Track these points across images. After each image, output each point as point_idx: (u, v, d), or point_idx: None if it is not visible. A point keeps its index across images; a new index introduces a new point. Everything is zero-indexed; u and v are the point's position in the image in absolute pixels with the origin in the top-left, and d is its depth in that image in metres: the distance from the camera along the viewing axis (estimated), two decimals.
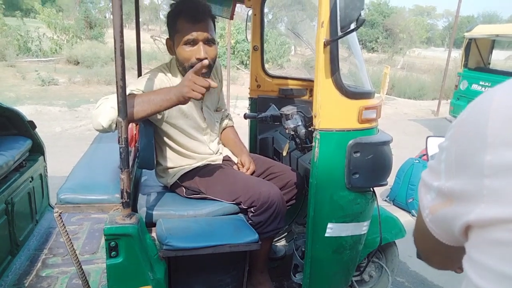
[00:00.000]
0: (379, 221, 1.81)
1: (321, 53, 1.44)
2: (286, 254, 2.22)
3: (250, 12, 2.49)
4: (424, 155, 3.88)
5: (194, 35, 1.63)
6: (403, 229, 2.22)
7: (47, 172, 2.60)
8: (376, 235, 1.96)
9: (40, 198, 2.46)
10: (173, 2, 1.71)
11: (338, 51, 1.47)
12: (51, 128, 6.84)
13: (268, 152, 2.57)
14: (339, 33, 1.40)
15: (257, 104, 2.58)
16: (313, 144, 1.53)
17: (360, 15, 1.28)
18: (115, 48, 1.20)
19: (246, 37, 2.65)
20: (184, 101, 1.44)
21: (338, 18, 1.28)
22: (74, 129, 6.88)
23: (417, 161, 3.78)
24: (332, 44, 1.44)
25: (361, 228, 1.76)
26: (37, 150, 2.47)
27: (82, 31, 17.79)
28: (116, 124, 1.40)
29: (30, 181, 2.28)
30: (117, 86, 1.23)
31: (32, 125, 2.47)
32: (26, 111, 7.31)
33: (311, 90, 2.51)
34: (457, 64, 11.48)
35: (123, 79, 1.24)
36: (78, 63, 13.98)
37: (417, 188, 3.45)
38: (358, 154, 1.58)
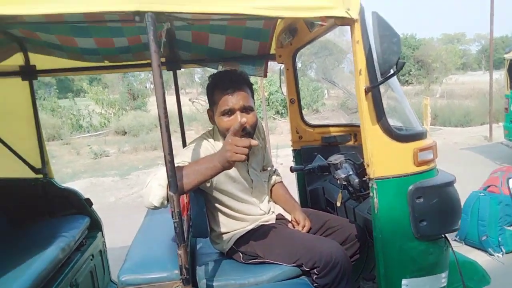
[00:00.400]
0: (459, 270, 1.63)
1: (363, 101, 1.40)
2: None
3: (283, 67, 2.53)
4: (489, 186, 3.58)
5: (230, 105, 1.66)
6: (486, 275, 1.98)
7: (106, 247, 2.65)
8: (458, 285, 1.76)
9: (102, 275, 2.48)
10: (211, 74, 1.78)
11: (381, 95, 1.42)
12: (106, 198, 7.12)
13: (320, 203, 2.47)
14: (379, 79, 1.36)
15: (301, 155, 2.54)
16: (371, 194, 1.44)
17: (399, 58, 1.25)
18: (160, 124, 1.23)
19: (282, 91, 2.68)
20: (229, 166, 1.41)
21: (377, 64, 1.25)
22: (127, 197, 7.12)
23: (482, 194, 3.48)
24: (373, 90, 1.40)
25: (440, 280, 1.59)
26: (95, 226, 2.54)
27: (127, 103, 19.07)
28: (166, 200, 1.41)
29: (91, 259, 2.31)
30: (165, 161, 1.25)
31: (89, 202, 2.56)
32: (82, 184, 7.74)
33: (356, 135, 2.45)
34: (500, 85, 10.94)
35: (171, 153, 1.25)
36: (126, 133, 14.83)
37: (489, 223, 3.15)
38: (422, 200, 1.47)
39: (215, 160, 1.42)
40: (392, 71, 1.27)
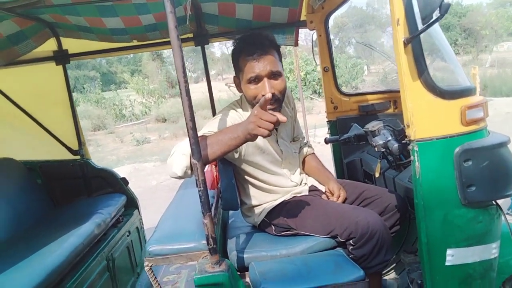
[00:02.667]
0: None
1: (402, 55, 1.26)
2: None
3: (315, 36, 2.40)
4: None
5: (256, 71, 1.56)
6: None
7: (143, 224, 2.70)
8: (510, 257, 1.61)
9: (139, 251, 2.54)
10: (236, 38, 1.68)
11: (422, 48, 1.27)
12: (148, 182, 7.35)
13: (357, 176, 2.35)
14: (420, 27, 1.21)
15: (337, 126, 2.42)
16: (412, 158, 1.31)
17: (443, 0, 1.09)
18: (180, 89, 1.18)
19: (315, 60, 2.55)
20: (251, 138, 1.32)
21: (417, 9, 1.10)
22: (168, 181, 7.30)
23: None
24: (413, 42, 1.25)
25: (490, 251, 1.44)
26: (131, 204, 2.59)
27: (166, 91, 19.56)
28: (190, 169, 1.36)
29: (128, 235, 2.36)
30: (187, 128, 1.20)
31: (125, 181, 2.61)
32: (126, 170, 8.04)
33: (395, 102, 2.29)
34: None
35: (193, 120, 1.20)
36: (165, 120, 15.24)
37: None
38: (470, 163, 1.31)
39: (238, 130, 1.33)
40: (435, 16, 1.12)
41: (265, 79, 1.57)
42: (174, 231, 1.56)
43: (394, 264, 2.12)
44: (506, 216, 3.19)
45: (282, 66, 1.67)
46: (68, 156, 2.58)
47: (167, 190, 6.59)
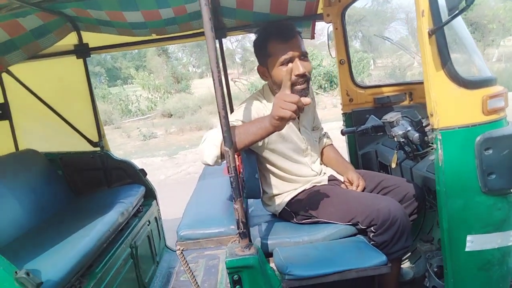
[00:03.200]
0: None
1: (426, 45, 1.30)
2: (415, 276, 1.98)
3: (330, 29, 2.43)
4: None
5: (290, 54, 1.61)
6: None
7: (160, 214, 2.76)
8: None
9: (158, 240, 2.60)
10: (258, 29, 1.73)
11: (446, 39, 1.31)
12: (156, 176, 7.41)
13: (372, 167, 2.39)
14: (444, 18, 1.25)
15: (352, 118, 2.46)
16: (434, 146, 1.36)
17: None
18: (213, 79, 1.22)
19: (330, 53, 2.58)
20: (278, 124, 1.31)
21: (442, 0, 1.14)
22: (176, 175, 7.38)
23: None
24: (437, 33, 1.29)
25: (508, 238, 1.48)
26: (150, 195, 2.65)
27: (171, 86, 19.60)
28: (220, 158, 1.41)
29: (148, 225, 2.42)
30: (219, 116, 1.24)
31: (143, 172, 2.67)
32: None
33: (411, 94, 2.32)
34: None
35: (225, 108, 1.24)
36: (171, 115, 15.29)
37: None
38: (491, 151, 1.35)
39: (266, 120, 1.36)
40: (461, 7, 1.15)
41: (297, 59, 1.63)
42: (203, 217, 1.61)
43: (409, 254, 2.16)
44: None
45: None
46: (89, 148, 2.63)
47: (175, 184, 6.66)
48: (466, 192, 1.38)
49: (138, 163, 8.54)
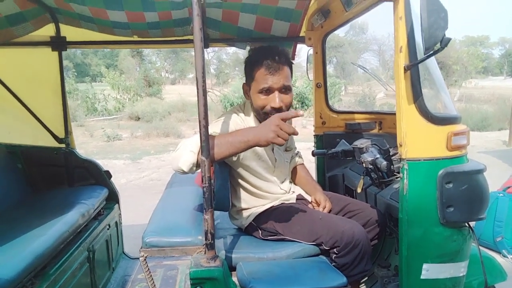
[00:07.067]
0: (481, 261, 1.61)
1: (401, 79, 1.38)
2: None
3: (310, 52, 2.51)
4: (508, 187, 3.52)
5: (269, 83, 1.64)
6: (503, 271, 1.96)
7: (121, 219, 2.68)
8: (474, 278, 1.74)
9: (116, 246, 2.51)
10: (252, 48, 1.75)
11: (419, 75, 1.40)
12: (117, 180, 7.14)
13: (338, 190, 2.46)
14: (419, 57, 1.34)
15: (323, 141, 2.52)
16: (401, 175, 1.43)
17: (444, 35, 1.22)
18: (197, 87, 1.23)
19: (308, 76, 2.66)
20: (265, 144, 1.39)
21: (423, 39, 1.22)
22: (138, 180, 7.18)
23: (501, 194, 3.42)
24: (412, 69, 1.37)
25: (460, 269, 1.57)
26: (112, 198, 2.57)
27: (142, 89, 19.23)
28: (195, 166, 1.41)
29: (108, 229, 2.35)
30: (200, 126, 1.25)
31: (108, 174, 2.59)
32: None
33: (381, 123, 2.42)
34: None
35: (206, 118, 1.25)
36: (139, 118, 14.97)
37: (506, 224, 3.08)
38: (451, 185, 1.44)
39: (250, 135, 1.39)
40: (435, 49, 1.24)
41: (276, 92, 1.65)
42: (169, 225, 1.58)
43: (366, 278, 2.22)
44: (501, 254, 3.39)
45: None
46: (53, 144, 2.53)
47: (136, 189, 6.48)
48: (426, 221, 1.46)
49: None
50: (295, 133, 1.37)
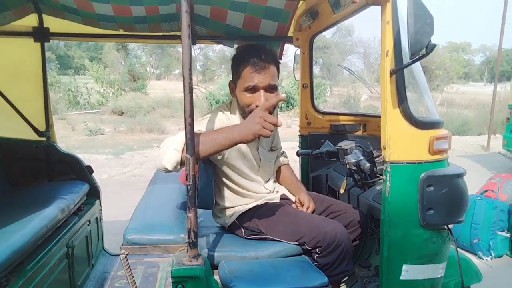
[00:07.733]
0: (459, 263, 1.65)
1: (387, 83, 1.40)
2: None
3: (297, 52, 2.52)
4: (486, 191, 3.62)
5: (255, 82, 1.63)
6: (478, 272, 2.02)
7: (102, 215, 2.63)
8: (451, 279, 1.79)
9: (96, 241, 2.47)
10: (238, 45, 1.74)
11: (404, 80, 1.42)
12: (98, 175, 7.04)
13: (321, 190, 2.48)
14: (405, 61, 1.36)
15: (308, 141, 2.54)
16: (383, 177, 1.45)
17: (430, 41, 1.24)
18: (183, 85, 1.22)
19: (294, 76, 2.67)
20: (251, 139, 1.39)
21: (409, 44, 1.24)
22: (120, 175, 7.08)
23: (479, 197, 3.51)
24: (398, 73, 1.39)
25: (438, 271, 1.60)
26: (93, 194, 2.53)
27: (126, 84, 18.94)
28: (180, 165, 1.40)
29: (88, 225, 2.30)
30: (185, 123, 1.24)
31: (89, 169, 2.55)
32: None
33: (365, 125, 2.45)
34: (500, 98, 11.06)
35: (191, 116, 1.24)
36: (122, 113, 14.75)
37: (482, 227, 3.17)
38: (432, 188, 1.47)
39: (235, 132, 1.39)
40: (421, 54, 1.26)
41: (262, 90, 1.64)
42: (151, 222, 1.57)
43: (347, 278, 2.25)
44: (477, 256, 3.46)
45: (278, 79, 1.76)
46: (34, 137, 2.47)
47: (118, 184, 6.39)
48: (406, 223, 1.48)
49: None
50: (279, 124, 1.38)
